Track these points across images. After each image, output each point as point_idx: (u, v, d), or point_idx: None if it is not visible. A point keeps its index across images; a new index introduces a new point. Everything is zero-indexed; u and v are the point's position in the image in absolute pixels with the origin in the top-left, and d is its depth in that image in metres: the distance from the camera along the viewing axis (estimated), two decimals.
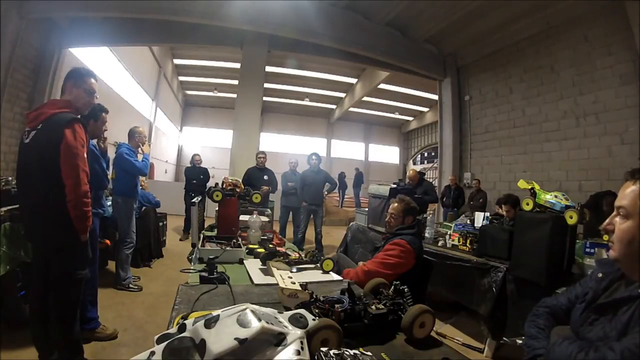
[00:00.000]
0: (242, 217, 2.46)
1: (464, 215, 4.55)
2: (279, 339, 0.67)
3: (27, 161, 1.68)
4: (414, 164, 19.51)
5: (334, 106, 16.74)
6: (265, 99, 10.68)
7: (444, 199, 6.98)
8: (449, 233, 3.24)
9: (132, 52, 9.74)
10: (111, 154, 2.82)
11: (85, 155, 1.69)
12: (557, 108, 5.81)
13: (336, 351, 0.70)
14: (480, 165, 7.39)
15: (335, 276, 1.63)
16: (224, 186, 2.37)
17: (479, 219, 3.42)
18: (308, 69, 11.65)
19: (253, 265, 1.68)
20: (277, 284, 1.22)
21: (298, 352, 0.66)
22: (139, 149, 3.22)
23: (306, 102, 15.52)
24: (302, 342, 0.69)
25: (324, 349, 0.70)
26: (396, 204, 2.17)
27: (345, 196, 13.29)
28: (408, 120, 18.53)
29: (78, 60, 7.03)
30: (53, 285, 1.69)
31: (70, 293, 1.70)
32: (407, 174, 5.98)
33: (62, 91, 1.83)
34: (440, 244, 3.12)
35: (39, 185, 1.64)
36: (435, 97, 8.69)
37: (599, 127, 5.19)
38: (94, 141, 2.34)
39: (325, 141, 18.98)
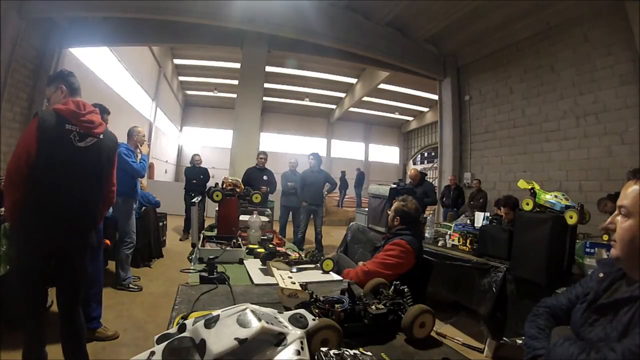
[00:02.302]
0: (242, 217, 2.46)
1: (464, 215, 4.55)
2: (279, 339, 0.67)
3: (80, 165, 1.68)
4: (414, 164, 19.51)
5: (334, 106, 16.73)
6: (265, 99, 10.68)
7: (444, 199, 6.98)
8: (449, 233, 3.24)
9: (132, 52, 9.74)
10: None
11: None
12: (557, 108, 5.81)
13: (336, 351, 0.70)
14: (480, 165, 7.39)
15: (335, 276, 1.63)
16: (224, 186, 2.37)
17: (479, 219, 3.43)
18: (308, 69, 11.64)
19: (253, 265, 1.67)
20: (277, 284, 1.22)
21: (298, 352, 0.66)
22: (138, 149, 3.21)
23: (306, 102, 15.51)
24: (302, 342, 0.69)
25: (324, 349, 0.71)
26: (395, 203, 2.17)
27: (346, 196, 13.28)
28: (408, 120, 18.52)
29: (78, 60, 7.03)
30: (77, 281, 1.75)
31: (85, 284, 1.84)
32: (409, 173, 5.98)
33: (74, 91, 1.77)
34: (440, 244, 3.12)
35: (92, 189, 1.75)
36: (435, 97, 8.69)
37: (599, 127, 5.19)
38: None
39: (325, 141, 18.98)
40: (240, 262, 1.74)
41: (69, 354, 1.70)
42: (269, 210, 3.47)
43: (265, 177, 4.97)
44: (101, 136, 1.74)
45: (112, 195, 1.92)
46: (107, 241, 3.17)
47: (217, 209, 2.45)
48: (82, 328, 1.75)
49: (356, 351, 0.72)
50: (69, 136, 1.62)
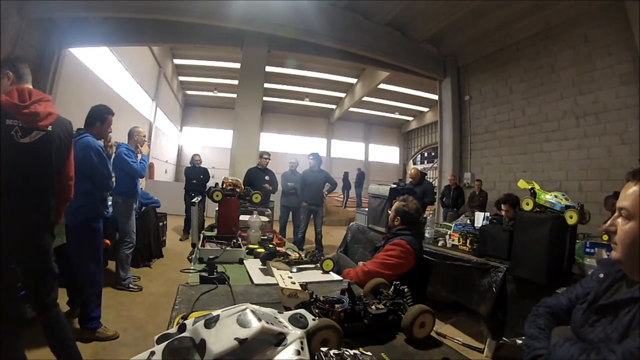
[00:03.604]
0: (242, 217, 2.46)
1: (464, 215, 4.55)
2: (279, 339, 0.67)
3: (25, 163, 1.54)
4: (414, 164, 19.51)
5: (334, 106, 16.73)
6: (265, 99, 10.67)
7: (444, 199, 6.98)
8: (449, 233, 3.24)
9: (132, 52, 9.73)
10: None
11: None
12: (557, 108, 5.81)
13: (336, 351, 0.70)
14: (480, 165, 7.39)
15: (335, 276, 1.63)
16: (224, 186, 2.37)
17: (479, 219, 3.43)
18: (308, 69, 11.64)
19: (253, 265, 1.67)
20: (277, 284, 1.22)
21: (298, 352, 0.66)
22: (138, 149, 3.21)
23: (306, 102, 15.52)
24: (302, 342, 0.69)
25: (324, 349, 0.70)
26: (395, 203, 2.16)
27: (349, 197, 13.26)
28: (408, 120, 18.53)
29: (78, 60, 7.03)
30: (40, 283, 1.68)
31: (53, 284, 1.73)
32: (409, 172, 5.98)
33: (20, 78, 1.62)
34: (440, 244, 3.12)
35: (40, 188, 1.61)
36: (435, 97, 8.69)
37: (599, 127, 5.19)
38: (100, 142, 2.34)
39: (325, 141, 18.98)
40: (240, 262, 1.74)
41: (54, 349, 1.69)
42: (269, 210, 3.47)
43: (266, 177, 4.97)
44: (50, 128, 1.58)
45: (68, 190, 1.77)
46: (107, 241, 3.18)
47: (217, 209, 2.44)
48: (58, 324, 1.69)
49: (356, 351, 0.72)
50: (10, 132, 1.48)
